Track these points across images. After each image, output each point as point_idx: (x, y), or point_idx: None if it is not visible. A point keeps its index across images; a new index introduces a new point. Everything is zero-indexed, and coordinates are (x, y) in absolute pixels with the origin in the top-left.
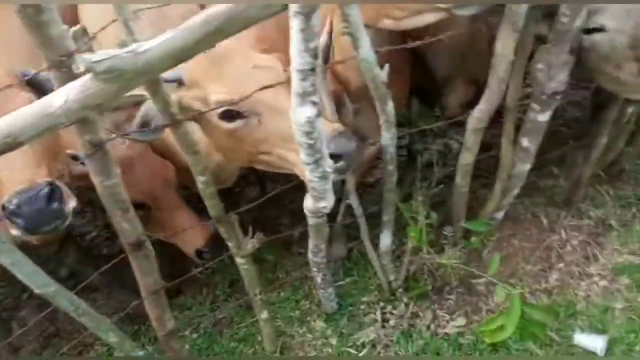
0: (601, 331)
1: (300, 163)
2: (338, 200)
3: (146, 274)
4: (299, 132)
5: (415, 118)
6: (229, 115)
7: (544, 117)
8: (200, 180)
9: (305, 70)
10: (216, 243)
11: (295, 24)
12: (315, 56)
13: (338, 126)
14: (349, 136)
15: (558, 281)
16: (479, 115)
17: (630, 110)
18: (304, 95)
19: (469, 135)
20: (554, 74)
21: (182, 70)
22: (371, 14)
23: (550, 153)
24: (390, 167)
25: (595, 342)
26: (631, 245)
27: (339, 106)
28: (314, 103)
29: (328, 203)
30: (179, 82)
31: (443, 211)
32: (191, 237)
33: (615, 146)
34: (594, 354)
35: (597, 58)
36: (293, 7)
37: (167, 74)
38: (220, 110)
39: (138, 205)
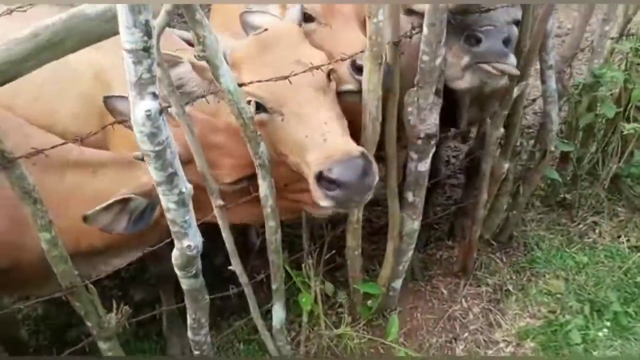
0: None
1: (310, 180)
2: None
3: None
4: (139, 136)
5: None
6: (255, 107)
7: (424, 166)
8: (45, 238)
9: (137, 51)
10: None
11: None
12: (148, 33)
13: (355, 148)
14: (362, 164)
15: (465, 351)
16: None
17: (506, 165)
18: (140, 84)
19: None
20: (425, 116)
21: (227, 47)
22: None
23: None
24: (271, 223)
25: None
26: (530, 309)
27: None
28: (155, 95)
29: (193, 241)
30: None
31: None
32: None
33: (499, 206)
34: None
35: None
36: None
37: None
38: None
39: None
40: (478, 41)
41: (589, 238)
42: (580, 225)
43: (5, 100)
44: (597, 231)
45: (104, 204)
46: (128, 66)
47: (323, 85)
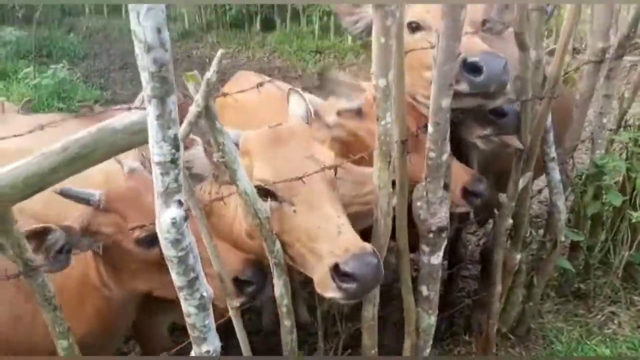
0: None
1: (315, 272)
2: None
3: None
4: (163, 242)
5: None
6: (264, 194)
7: (436, 259)
8: (62, 346)
9: (165, 163)
10: (259, 271)
11: (150, 110)
12: (176, 146)
13: (368, 245)
14: (375, 260)
15: None
16: None
17: (518, 256)
18: (167, 194)
19: None
20: (435, 210)
21: (240, 135)
22: None
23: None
24: (287, 322)
25: None
26: None
27: None
28: (180, 203)
29: (212, 346)
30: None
31: None
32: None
33: (514, 299)
34: None
35: None
36: (146, 91)
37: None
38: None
39: None
40: (503, 115)
41: (608, 329)
42: (599, 316)
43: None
44: (616, 322)
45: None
46: (156, 177)
47: (333, 181)
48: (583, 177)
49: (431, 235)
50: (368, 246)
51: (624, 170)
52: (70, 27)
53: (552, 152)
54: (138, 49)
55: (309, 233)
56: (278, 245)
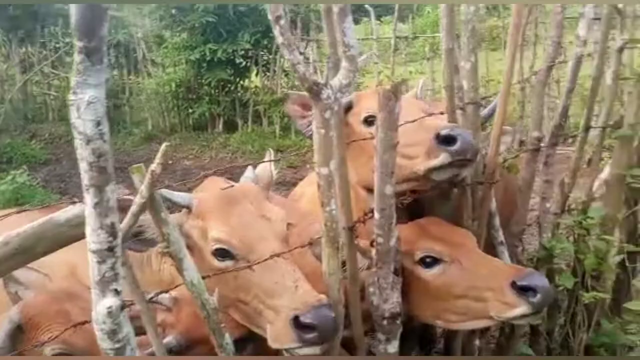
0: None
1: (272, 326)
2: None
3: None
4: (99, 334)
5: None
6: (222, 254)
7: (393, 347)
8: None
9: (101, 251)
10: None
11: (88, 199)
12: (113, 234)
13: (324, 297)
14: (329, 310)
15: None
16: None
17: (477, 342)
18: (103, 283)
19: None
20: (387, 295)
21: (193, 198)
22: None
23: None
24: None
25: None
26: None
27: None
28: (117, 291)
29: None
30: (188, 209)
31: None
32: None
33: None
34: None
35: None
36: (85, 180)
37: (180, 198)
38: (215, 247)
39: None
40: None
41: None
42: None
43: None
44: None
45: None
46: (92, 266)
47: (285, 236)
48: (534, 260)
49: (385, 322)
50: (324, 297)
51: (572, 252)
52: (33, 134)
53: (500, 236)
54: (78, 141)
55: (266, 289)
56: (227, 338)
